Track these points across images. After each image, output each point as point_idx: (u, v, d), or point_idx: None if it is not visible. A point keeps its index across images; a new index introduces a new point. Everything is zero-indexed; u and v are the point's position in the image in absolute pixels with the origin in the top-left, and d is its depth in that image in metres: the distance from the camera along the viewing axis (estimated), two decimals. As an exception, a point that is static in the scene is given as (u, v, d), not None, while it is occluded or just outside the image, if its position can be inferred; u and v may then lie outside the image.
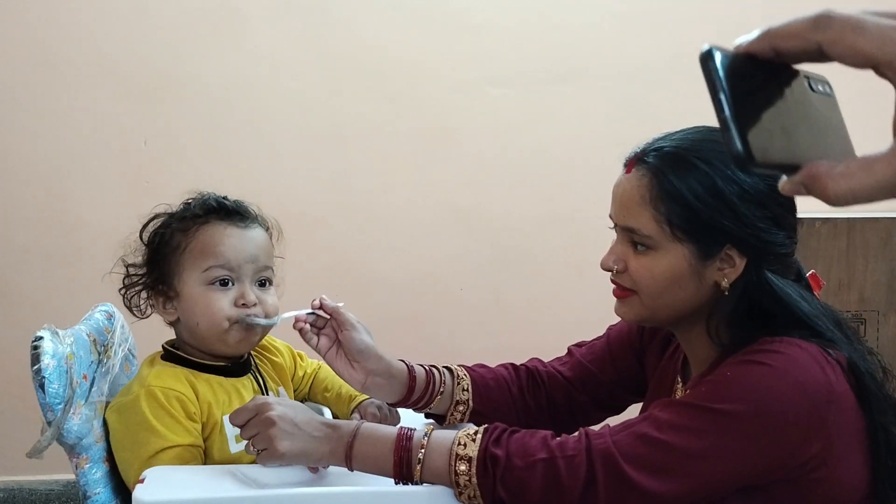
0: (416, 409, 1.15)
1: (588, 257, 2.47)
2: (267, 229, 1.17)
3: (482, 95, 2.39)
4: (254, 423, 0.93)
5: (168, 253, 1.10)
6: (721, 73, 0.41)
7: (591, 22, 2.41)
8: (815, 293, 0.98)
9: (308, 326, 1.09)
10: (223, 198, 1.14)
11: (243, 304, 1.08)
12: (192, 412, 1.03)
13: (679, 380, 1.06)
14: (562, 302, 2.44)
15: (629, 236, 0.98)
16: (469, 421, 1.14)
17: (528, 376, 1.19)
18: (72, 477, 1.85)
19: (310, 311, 1.10)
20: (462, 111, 2.39)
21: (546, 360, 1.24)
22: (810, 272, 0.99)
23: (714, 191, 0.89)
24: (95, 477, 1.01)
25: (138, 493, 0.88)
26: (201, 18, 2.29)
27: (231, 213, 1.12)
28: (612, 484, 0.85)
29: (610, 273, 1.02)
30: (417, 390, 1.12)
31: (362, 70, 2.35)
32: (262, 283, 1.12)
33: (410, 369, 1.13)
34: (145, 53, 2.28)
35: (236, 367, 1.13)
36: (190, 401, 1.04)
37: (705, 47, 0.41)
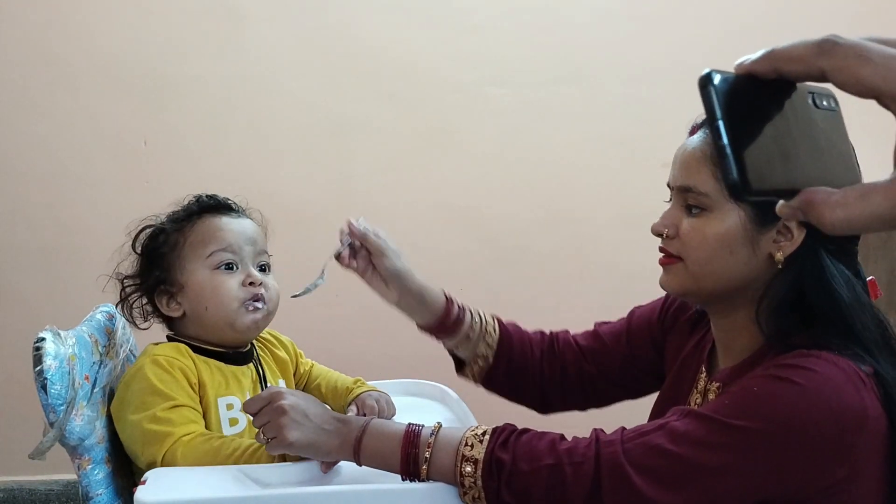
0: (446, 345, 1.19)
1: (588, 257, 2.49)
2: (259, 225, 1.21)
3: (482, 95, 2.39)
4: (266, 411, 0.94)
5: (166, 252, 1.12)
6: (719, 98, 0.40)
7: (591, 22, 2.41)
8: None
9: (347, 255, 1.10)
10: (212, 196, 1.19)
11: (250, 284, 1.11)
12: (193, 382, 1.06)
13: (703, 369, 1.03)
14: (562, 302, 2.44)
15: (684, 198, 0.95)
16: (491, 375, 1.18)
17: (550, 342, 1.22)
18: (72, 477, 1.84)
19: (343, 244, 1.10)
20: (462, 111, 2.39)
21: None
22: (870, 278, 0.95)
23: None
24: (97, 478, 1.01)
25: (140, 493, 0.87)
26: (201, 18, 2.29)
27: (222, 207, 1.17)
28: (617, 492, 0.84)
29: (659, 240, 0.99)
30: (449, 322, 1.16)
31: (362, 70, 2.35)
32: (262, 269, 1.15)
33: (449, 301, 1.17)
34: (145, 53, 2.28)
35: (237, 355, 1.15)
36: (191, 372, 1.06)
37: (704, 71, 0.41)
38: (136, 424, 1.01)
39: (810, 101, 0.43)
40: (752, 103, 0.41)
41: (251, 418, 1.08)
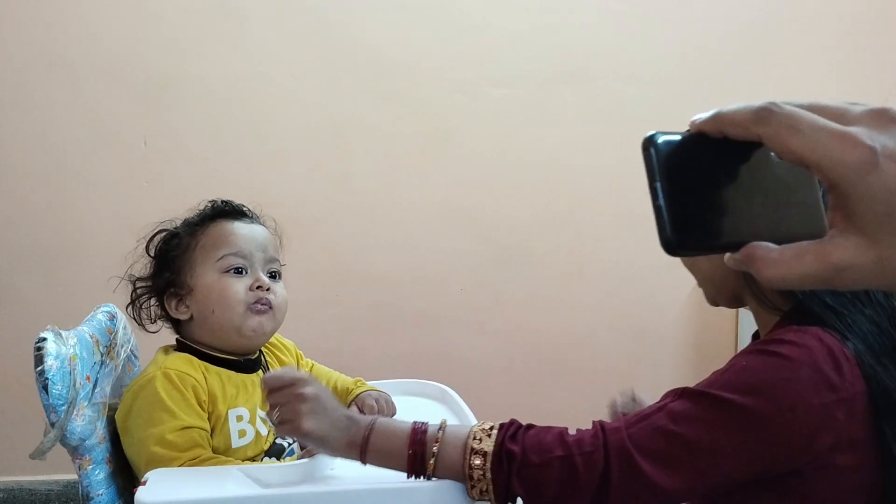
0: None
1: (588, 257, 2.50)
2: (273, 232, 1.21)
3: (482, 95, 2.40)
4: (286, 393, 0.92)
5: (178, 255, 1.13)
6: (659, 160, 0.42)
7: (591, 22, 2.41)
8: None
9: None
10: (227, 202, 1.19)
11: (258, 288, 1.11)
12: (203, 400, 1.05)
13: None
14: (562, 302, 2.44)
15: None
16: None
17: None
18: (72, 477, 1.83)
19: None
20: (462, 111, 2.39)
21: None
22: None
23: None
24: (98, 478, 1.01)
25: (140, 494, 0.87)
26: (201, 18, 2.29)
27: (236, 213, 1.17)
28: (625, 478, 0.85)
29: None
30: None
31: (362, 70, 2.35)
32: (272, 275, 1.15)
33: None
34: (145, 53, 2.28)
35: (247, 363, 1.14)
36: (202, 388, 1.05)
37: (649, 133, 0.42)
38: (142, 443, 1.00)
39: (772, 153, 0.44)
40: (696, 163, 0.43)
41: (259, 430, 1.08)
